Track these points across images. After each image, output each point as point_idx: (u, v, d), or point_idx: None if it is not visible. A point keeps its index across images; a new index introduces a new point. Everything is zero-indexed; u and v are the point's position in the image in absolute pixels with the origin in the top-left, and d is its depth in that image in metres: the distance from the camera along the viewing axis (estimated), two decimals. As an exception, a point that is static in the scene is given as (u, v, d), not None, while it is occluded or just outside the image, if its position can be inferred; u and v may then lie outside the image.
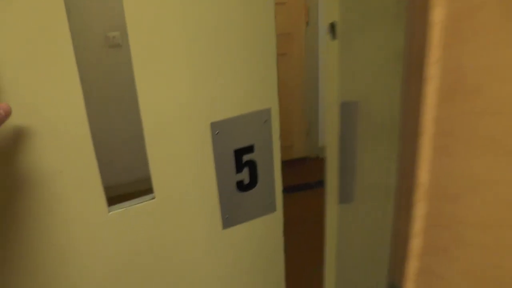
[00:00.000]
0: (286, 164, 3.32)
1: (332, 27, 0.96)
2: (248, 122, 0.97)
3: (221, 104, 0.93)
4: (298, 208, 2.67)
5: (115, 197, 1.06)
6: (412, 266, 0.64)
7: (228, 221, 1.05)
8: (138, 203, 0.92)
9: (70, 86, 0.76)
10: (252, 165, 1.02)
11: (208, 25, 0.85)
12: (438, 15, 0.51)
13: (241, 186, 1.03)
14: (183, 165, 0.93)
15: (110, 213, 0.88)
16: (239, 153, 0.99)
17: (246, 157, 1.00)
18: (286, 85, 3.06)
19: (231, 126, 0.95)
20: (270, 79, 0.96)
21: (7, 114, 0.66)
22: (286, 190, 2.97)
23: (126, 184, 2.93)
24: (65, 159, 0.80)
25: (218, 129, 0.94)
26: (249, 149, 1.00)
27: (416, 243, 0.62)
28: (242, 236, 1.09)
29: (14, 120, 0.74)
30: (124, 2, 0.77)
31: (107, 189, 0.87)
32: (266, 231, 1.12)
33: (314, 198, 2.75)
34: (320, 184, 2.94)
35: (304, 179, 3.01)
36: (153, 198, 0.93)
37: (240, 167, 1.01)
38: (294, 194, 2.85)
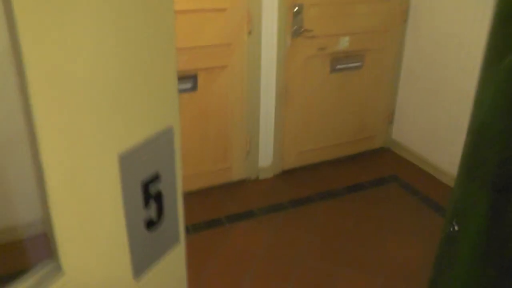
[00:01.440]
0: (224, 188, 2.66)
1: None
2: (153, 146, 0.82)
3: (125, 130, 0.75)
4: (241, 241, 2.22)
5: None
6: None
7: (139, 268, 0.87)
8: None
9: None
10: (159, 197, 0.87)
11: (108, 49, 0.67)
12: None
13: (150, 224, 0.86)
14: (92, 212, 0.72)
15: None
16: (146, 185, 0.83)
17: (153, 189, 0.85)
18: (226, 101, 2.58)
19: (138, 154, 0.79)
20: (171, 96, 0.83)
21: None
22: (228, 219, 2.40)
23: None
24: None
25: (126, 160, 0.76)
26: (155, 178, 0.85)
27: None
28: (152, 279, 0.92)
29: None
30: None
31: None
32: (171, 266, 0.98)
33: (259, 229, 2.32)
34: (265, 211, 2.48)
35: (246, 205, 2.47)
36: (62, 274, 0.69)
37: (148, 201, 0.84)
38: (236, 224, 2.32)
